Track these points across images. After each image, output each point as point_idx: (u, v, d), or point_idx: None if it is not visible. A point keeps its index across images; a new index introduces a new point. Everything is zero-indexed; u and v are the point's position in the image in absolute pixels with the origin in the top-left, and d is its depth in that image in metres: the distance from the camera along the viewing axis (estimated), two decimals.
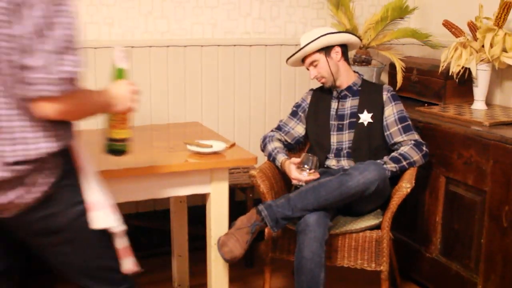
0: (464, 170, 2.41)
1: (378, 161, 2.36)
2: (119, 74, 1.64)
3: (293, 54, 2.58)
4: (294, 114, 2.69)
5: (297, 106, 2.71)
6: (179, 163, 2.06)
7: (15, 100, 1.32)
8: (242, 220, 2.22)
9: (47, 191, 1.41)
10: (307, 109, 2.68)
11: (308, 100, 2.69)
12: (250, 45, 3.15)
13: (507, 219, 2.20)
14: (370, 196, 2.24)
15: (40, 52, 1.28)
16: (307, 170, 2.36)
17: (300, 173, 2.37)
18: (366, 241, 2.31)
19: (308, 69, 2.60)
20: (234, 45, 3.12)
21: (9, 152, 1.33)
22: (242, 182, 2.90)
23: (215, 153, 2.15)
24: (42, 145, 1.37)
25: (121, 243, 1.62)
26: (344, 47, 2.60)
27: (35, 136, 1.36)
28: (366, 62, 3.12)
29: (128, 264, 1.64)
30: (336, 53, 2.56)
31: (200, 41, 3.03)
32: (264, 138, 2.63)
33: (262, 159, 2.59)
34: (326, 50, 2.54)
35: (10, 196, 1.37)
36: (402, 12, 3.06)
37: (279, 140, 2.62)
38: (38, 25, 1.28)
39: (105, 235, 1.57)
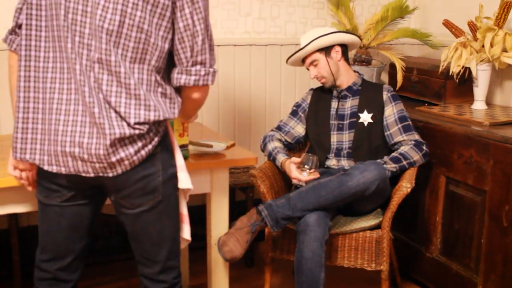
0: (464, 170, 2.41)
1: (378, 161, 2.36)
2: None
3: (293, 54, 2.58)
4: (294, 114, 2.69)
5: (297, 106, 2.71)
6: None
7: (148, 77, 1.52)
8: (242, 220, 2.22)
9: (150, 150, 1.55)
10: (307, 109, 2.68)
11: (308, 100, 2.69)
12: (250, 45, 3.15)
13: (507, 219, 2.20)
14: (370, 196, 2.24)
15: (204, 49, 1.56)
16: (307, 170, 2.36)
17: (300, 173, 2.37)
18: (366, 241, 2.31)
19: (308, 69, 2.60)
20: (234, 45, 3.12)
21: (133, 114, 1.50)
22: (242, 182, 2.90)
23: (215, 153, 2.15)
24: (159, 113, 1.53)
25: (186, 209, 1.81)
26: (344, 47, 2.60)
27: (156, 104, 1.53)
28: (366, 62, 3.12)
29: (186, 232, 1.82)
30: (336, 52, 2.56)
31: None
32: (264, 138, 2.63)
33: (262, 159, 2.59)
34: (326, 50, 2.54)
35: (130, 150, 1.51)
36: (402, 12, 3.06)
37: (279, 140, 2.62)
38: (205, 24, 1.55)
39: (178, 206, 1.73)
